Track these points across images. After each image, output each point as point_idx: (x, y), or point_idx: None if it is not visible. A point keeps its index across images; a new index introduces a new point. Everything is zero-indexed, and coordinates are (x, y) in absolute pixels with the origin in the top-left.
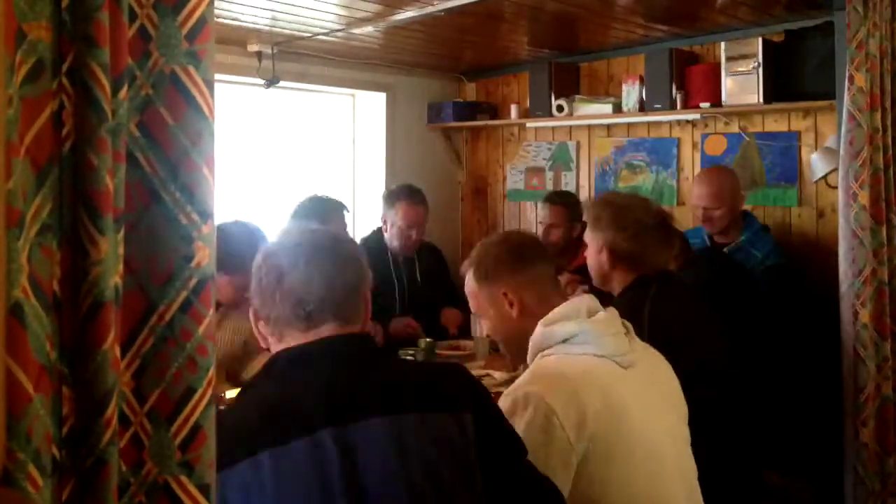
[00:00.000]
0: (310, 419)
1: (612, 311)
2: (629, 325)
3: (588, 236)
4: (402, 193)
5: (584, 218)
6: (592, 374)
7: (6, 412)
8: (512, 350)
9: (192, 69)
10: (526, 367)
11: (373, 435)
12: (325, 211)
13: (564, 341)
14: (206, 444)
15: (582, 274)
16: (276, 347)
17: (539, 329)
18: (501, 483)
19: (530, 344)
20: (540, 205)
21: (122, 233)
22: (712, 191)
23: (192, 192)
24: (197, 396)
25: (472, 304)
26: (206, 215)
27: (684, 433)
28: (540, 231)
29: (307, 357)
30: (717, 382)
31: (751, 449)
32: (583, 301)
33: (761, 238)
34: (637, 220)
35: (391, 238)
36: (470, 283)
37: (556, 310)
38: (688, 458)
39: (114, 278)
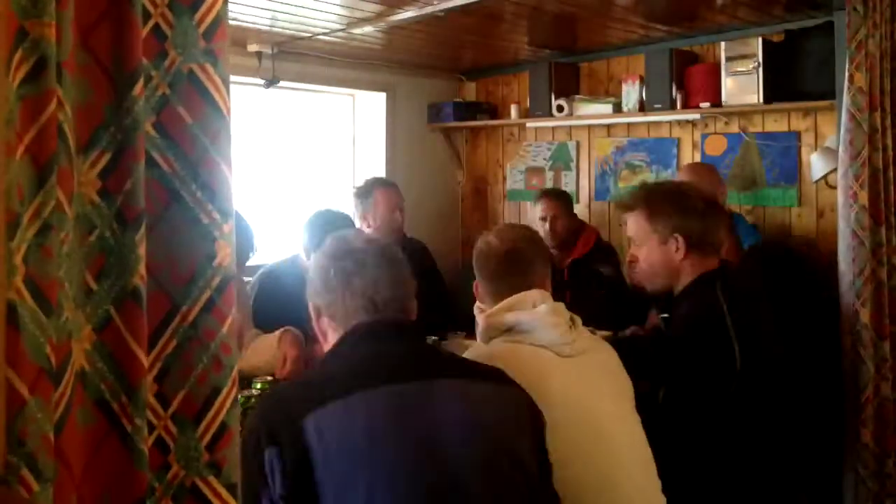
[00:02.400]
0: (397, 371)
1: (557, 304)
2: (577, 317)
3: (643, 232)
4: (375, 183)
5: (636, 212)
6: (527, 362)
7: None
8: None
9: (209, 67)
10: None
11: (451, 392)
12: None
13: (508, 330)
14: (233, 443)
15: (579, 269)
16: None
17: (483, 320)
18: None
19: (478, 331)
20: (535, 201)
21: (141, 232)
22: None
23: (213, 190)
24: (223, 395)
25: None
26: (226, 214)
27: (634, 415)
28: (539, 225)
29: (384, 328)
30: (784, 376)
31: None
32: (530, 294)
33: (749, 237)
34: (697, 202)
35: (376, 233)
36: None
37: (503, 301)
38: (640, 436)
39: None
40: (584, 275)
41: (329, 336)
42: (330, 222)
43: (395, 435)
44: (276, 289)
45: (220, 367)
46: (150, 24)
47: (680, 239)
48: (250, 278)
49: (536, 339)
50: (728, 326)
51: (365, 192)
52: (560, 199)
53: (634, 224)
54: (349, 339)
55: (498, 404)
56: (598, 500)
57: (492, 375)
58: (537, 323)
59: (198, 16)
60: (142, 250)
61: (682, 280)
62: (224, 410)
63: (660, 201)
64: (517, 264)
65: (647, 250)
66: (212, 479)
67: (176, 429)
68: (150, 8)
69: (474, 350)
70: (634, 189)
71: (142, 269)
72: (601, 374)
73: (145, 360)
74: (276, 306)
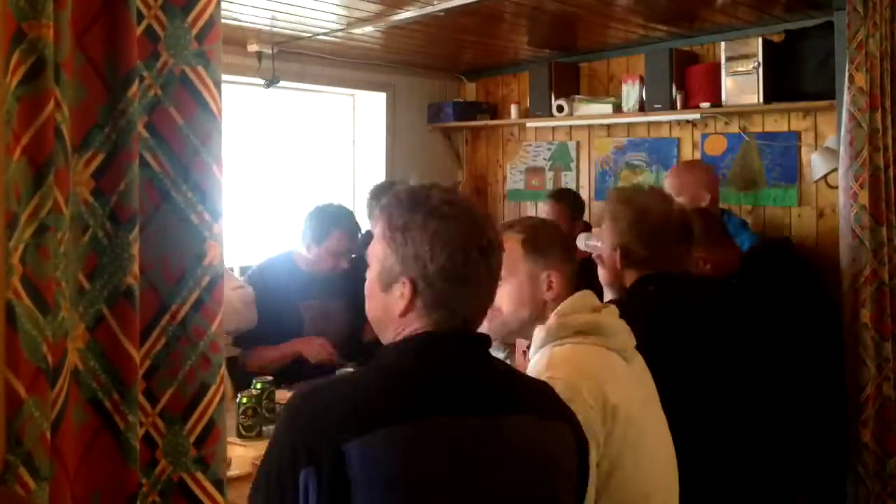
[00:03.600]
0: (462, 399)
1: (613, 308)
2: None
3: (604, 229)
4: (391, 188)
5: (603, 210)
6: (609, 368)
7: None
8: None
9: (201, 69)
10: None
11: (517, 434)
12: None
13: (578, 332)
14: (220, 440)
15: (583, 272)
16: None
17: (553, 319)
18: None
19: (542, 332)
20: (541, 203)
21: (135, 232)
22: (671, 181)
23: (203, 191)
24: (211, 393)
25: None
26: (217, 214)
27: (664, 418)
28: None
29: (453, 341)
30: (737, 383)
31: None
32: (587, 296)
33: (740, 233)
34: (654, 227)
35: None
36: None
37: (567, 301)
38: (670, 439)
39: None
40: (588, 278)
41: (408, 321)
42: (332, 216)
43: (448, 476)
44: (268, 286)
45: (208, 364)
46: (143, 25)
47: (618, 253)
48: (241, 278)
49: (608, 343)
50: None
51: (380, 195)
52: (560, 202)
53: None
54: (408, 346)
55: (556, 444)
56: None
57: (549, 408)
58: (613, 327)
59: (190, 18)
60: (135, 250)
61: (624, 284)
62: (212, 407)
63: (618, 212)
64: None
65: (603, 249)
66: (199, 474)
67: (164, 425)
68: (144, 10)
69: (545, 354)
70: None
71: (135, 268)
72: (646, 378)
73: (138, 359)
74: (270, 303)
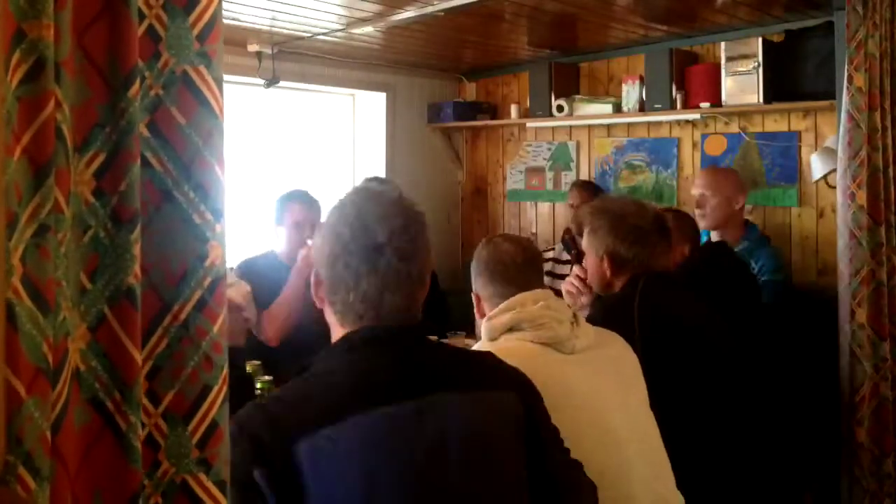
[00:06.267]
0: (393, 388)
1: (560, 301)
2: (579, 315)
3: (586, 244)
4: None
5: (585, 225)
6: (531, 359)
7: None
8: None
9: (203, 69)
10: None
11: (448, 410)
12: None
13: (510, 329)
14: (223, 441)
15: None
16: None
17: (484, 323)
18: (541, 466)
19: (482, 333)
20: (569, 190)
21: (136, 232)
22: (707, 179)
23: (205, 191)
24: (213, 394)
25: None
26: (219, 214)
27: (644, 409)
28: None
29: (385, 335)
30: (727, 369)
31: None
32: (532, 294)
33: (760, 248)
34: (635, 227)
35: None
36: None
37: (504, 303)
38: (649, 430)
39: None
40: None
41: (325, 307)
42: (285, 194)
43: (391, 463)
44: (258, 276)
45: (211, 365)
46: (145, 25)
47: (607, 259)
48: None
49: (539, 337)
50: (633, 318)
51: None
52: (586, 190)
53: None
54: (344, 345)
55: (494, 415)
56: (602, 494)
57: (487, 379)
58: (541, 320)
59: (192, 17)
60: (136, 250)
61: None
62: (215, 408)
63: (596, 223)
64: (534, 268)
65: (589, 263)
66: (202, 475)
67: (166, 426)
68: (145, 9)
69: (478, 347)
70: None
71: (136, 268)
72: (607, 369)
73: (140, 359)
74: (261, 293)
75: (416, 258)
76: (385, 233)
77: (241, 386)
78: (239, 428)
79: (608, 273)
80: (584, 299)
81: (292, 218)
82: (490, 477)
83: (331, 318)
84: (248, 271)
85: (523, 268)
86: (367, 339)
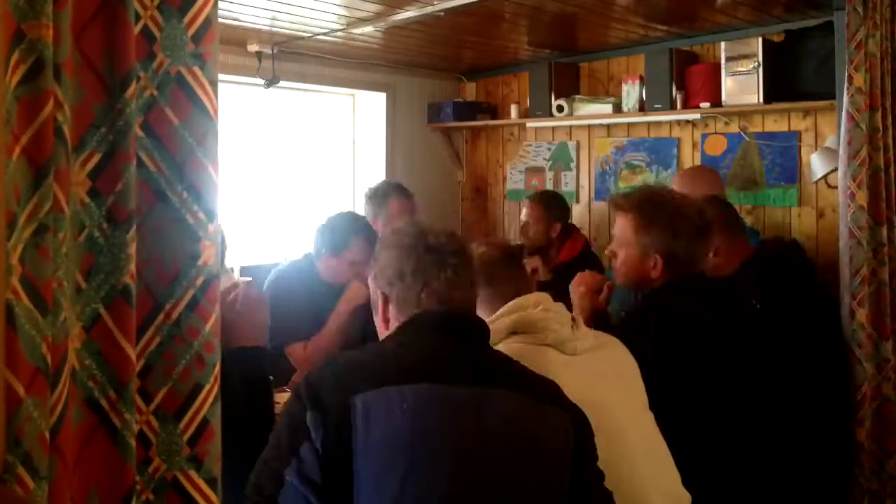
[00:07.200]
0: (453, 372)
1: (559, 304)
2: (578, 317)
3: (628, 235)
4: (393, 191)
5: (628, 216)
6: (533, 362)
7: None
8: None
9: (197, 70)
10: None
11: (503, 405)
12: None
13: (513, 333)
14: (214, 439)
15: (562, 273)
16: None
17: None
18: (580, 489)
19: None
20: (523, 203)
21: (132, 232)
22: (680, 188)
23: (198, 191)
24: (204, 392)
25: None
26: (212, 214)
27: (644, 409)
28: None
29: (450, 322)
30: (745, 392)
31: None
32: (531, 297)
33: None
34: (693, 227)
35: None
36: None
37: (504, 306)
38: (649, 429)
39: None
40: (566, 279)
41: (392, 325)
42: (351, 225)
43: (439, 437)
44: (290, 291)
45: (202, 364)
46: (140, 25)
47: (659, 259)
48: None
49: (541, 339)
50: (649, 330)
51: (381, 197)
52: (539, 204)
53: (621, 227)
54: (410, 327)
55: (545, 426)
56: (612, 490)
57: (545, 394)
58: (543, 322)
59: (187, 18)
60: (132, 250)
61: (652, 285)
62: (206, 407)
63: (651, 216)
64: (515, 263)
65: (626, 256)
66: (192, 472)
67: (158, 424)
68: (140, 10)
69: None
70: (634, 190)
71: (132, 268)
72: (608, 370)
73: (134, 357)
74: (291, 309)
75: (470, 274)
76: (446, 248)
77: (263, 390)
78: (306, 379)
79: (653, 272)
80: (602, 296)
81: (354, 255)
82: (528, 478)
83: (395, 324)
84: (280, 280)
85: (504, 266)
86: (437, 324)
